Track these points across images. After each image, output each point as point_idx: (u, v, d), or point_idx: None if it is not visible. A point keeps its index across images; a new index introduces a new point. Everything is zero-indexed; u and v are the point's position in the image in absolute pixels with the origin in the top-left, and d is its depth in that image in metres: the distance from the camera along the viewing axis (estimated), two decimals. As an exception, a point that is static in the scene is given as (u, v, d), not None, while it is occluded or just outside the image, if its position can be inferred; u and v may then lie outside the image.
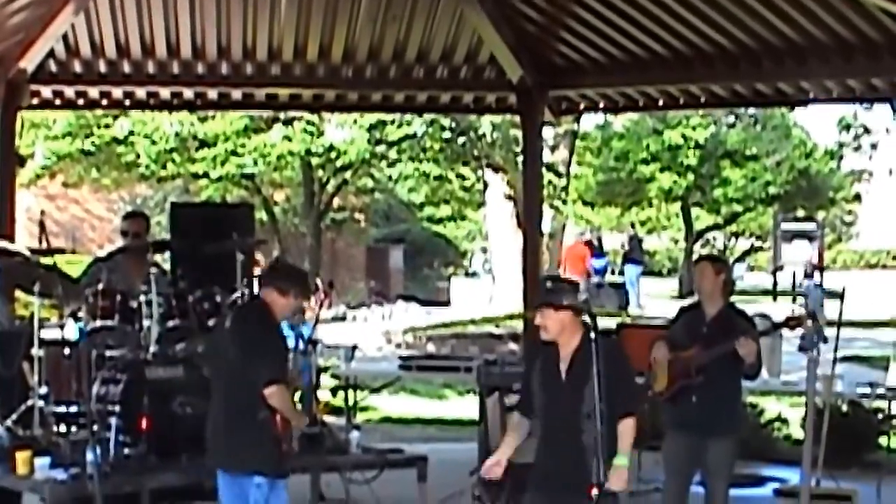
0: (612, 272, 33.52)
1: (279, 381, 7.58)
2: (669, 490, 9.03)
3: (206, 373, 8.56)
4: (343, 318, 28.41)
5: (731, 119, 40.20)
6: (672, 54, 12.85)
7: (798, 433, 13.55)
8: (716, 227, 43.97)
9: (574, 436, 6.82)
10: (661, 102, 14.27)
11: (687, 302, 9.86)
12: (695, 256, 36.58)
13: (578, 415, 6.79)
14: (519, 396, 7.49)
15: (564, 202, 31.67)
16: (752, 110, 37.34)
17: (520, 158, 22.75)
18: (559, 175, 30.81)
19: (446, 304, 33.73)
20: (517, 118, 15.72)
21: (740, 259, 46.38)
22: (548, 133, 26.97)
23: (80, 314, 9.20)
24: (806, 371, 9.53)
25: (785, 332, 9.54)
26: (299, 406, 8.23)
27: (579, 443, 6.79)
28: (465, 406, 16.98)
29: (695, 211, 41.72)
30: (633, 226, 42.60)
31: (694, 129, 36.18)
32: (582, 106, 14.71)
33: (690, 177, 37.43)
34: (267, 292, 7.81)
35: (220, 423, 7.73)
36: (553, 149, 31.29)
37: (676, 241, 48.92)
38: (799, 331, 8.97)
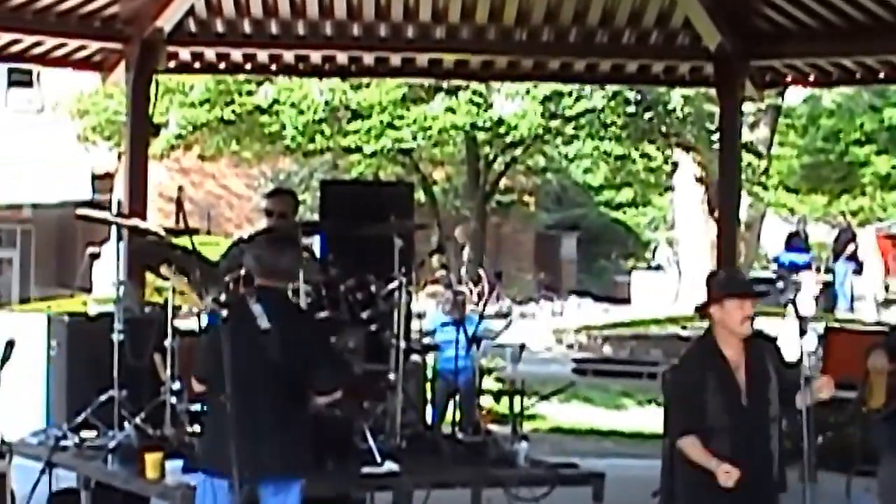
0: (818, 269, 33.03)
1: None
2: (884, 522, 8.90)
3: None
4: (508, 314, 28.47)
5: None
6: (897, 19, 12.60)
7: None
8: (940, 219, 43.15)
9: (765, 444, 7.25)
10: (881, 75, 13.99)
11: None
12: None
13: (767, 422, 7.23)
14: (689, 416, 7.42)
15: (765, 187, 31.34)
16: None
17: (714, 137, 22.60)
18: (759, 156, 30.49)
19: (625, 300, 33.62)
20: (712, 91, 15.59)
21: (968, 257, 45.41)
22: (747, 108, 26.68)
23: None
24: None
25: None
26: None
27: (768, 451, 7.24)
28: (645, 417, 16.93)
29: (916, 201, 41.00)
30: (843, 216, 41.96)
31: (920, 106, 35.51)
32: (789, 78, 14.50)
33: (911, 161, 36.78)
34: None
35: (266, 425, 7.52)
36: (752, 126, 30.97)
37: (894, 236, 48.13)
38: None
